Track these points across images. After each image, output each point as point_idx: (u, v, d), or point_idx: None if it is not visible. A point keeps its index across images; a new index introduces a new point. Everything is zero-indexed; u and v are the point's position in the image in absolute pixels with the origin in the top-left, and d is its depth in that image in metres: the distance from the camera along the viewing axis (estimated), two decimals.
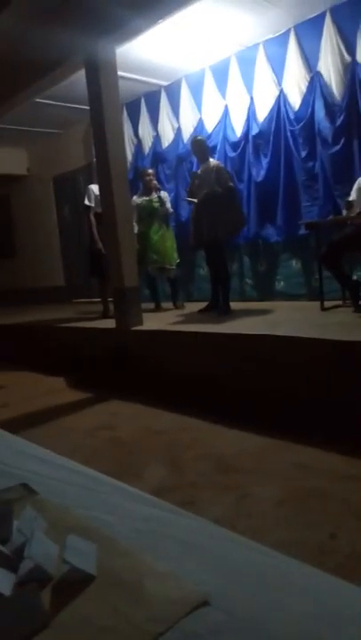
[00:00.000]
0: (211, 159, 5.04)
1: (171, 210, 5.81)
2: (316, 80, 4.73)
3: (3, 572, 0.80)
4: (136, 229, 5.33)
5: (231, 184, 4.79)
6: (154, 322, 4.79)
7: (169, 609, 0.73)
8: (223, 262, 5.01)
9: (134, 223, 5.22)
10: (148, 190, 5.70)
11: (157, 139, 6.40)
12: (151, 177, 5.75)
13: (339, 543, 1.88)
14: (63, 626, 0.72)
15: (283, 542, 1.86)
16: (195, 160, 5.59)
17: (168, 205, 5.73)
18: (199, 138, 5.16)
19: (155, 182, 5.78)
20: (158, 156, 6.43)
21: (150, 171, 5.87)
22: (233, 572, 0.82)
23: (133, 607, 0.74)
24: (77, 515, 1.01)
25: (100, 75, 4.47)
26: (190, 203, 5.17)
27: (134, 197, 5.51)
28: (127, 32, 4.29)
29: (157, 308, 5.78)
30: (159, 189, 5.76)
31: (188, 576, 0.80)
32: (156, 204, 5.61)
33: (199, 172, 5.01)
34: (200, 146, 4.99)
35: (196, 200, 5.01)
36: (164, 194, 5.77)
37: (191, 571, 0.82)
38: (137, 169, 6.37)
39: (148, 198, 5.64)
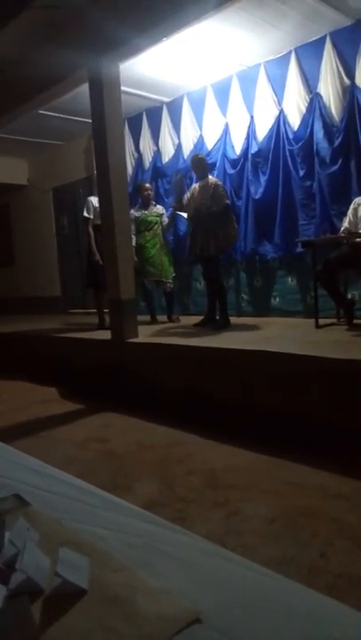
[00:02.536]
0: (210, 176, 5.10)
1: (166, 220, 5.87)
2: (315, 101, 4.81)
3: None
4: (134, 242, 5.36)
5: (227, 202, 4.87)
6: (149, 334, 4.79)
7: (161, 626, 0.72)
8: (216, 276, 5.05)
9: (132, 236, 5.25)
10: (146, 204, 5.75)
11: (158, 153, 6.47)
12: (149, 191, 5.80)
13: (329, 563, 1.87)
14: None
15: (273, 561, 1.85)
16: (194, 176, 5.64)
17: (165, 219, 5.78)
18: (200, 155, 5.22)
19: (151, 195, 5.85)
20: (158, 171, 6.49)
21: (148, 185, 5.93)
22: (226, 589, 0.82)
23: (125, 623, 0.73)
24: (70, 527, 1.00)
25: (104, 90, 4.52)
26: (179, 215, 5.23)
27: (132, 211, 5.54)
28: (131, 49, 4.35)
29: (153, 321, 5.79)
30: (154, 204, 5.82)
31: (181, 593, 0.80)
32: (156, 218, 5.66)
33: (197, 186, 5.06)
34: (200, 163, 5.07)
35: (185, 215, 5.08)
36: (160, 207, 5.84)
37: (184, 587, 0.82)
38: (136, 183, 6.42)
39: (146, 212, 5.69)
